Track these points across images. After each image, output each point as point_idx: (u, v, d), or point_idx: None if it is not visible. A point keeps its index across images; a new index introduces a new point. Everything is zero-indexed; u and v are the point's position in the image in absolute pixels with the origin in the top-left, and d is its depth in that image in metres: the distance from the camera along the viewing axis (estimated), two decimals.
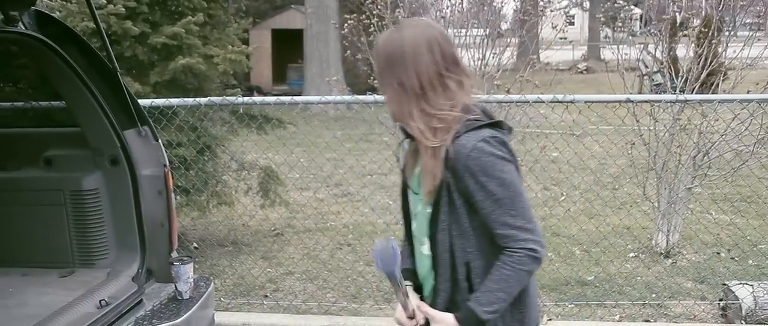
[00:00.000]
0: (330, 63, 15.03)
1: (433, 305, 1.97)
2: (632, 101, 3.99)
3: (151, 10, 5.52)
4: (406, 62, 1.86)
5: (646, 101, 4.08)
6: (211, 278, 3.34)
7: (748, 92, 4.90)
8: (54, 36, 3.02)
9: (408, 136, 1.97)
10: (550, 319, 4.30)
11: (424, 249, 2.00)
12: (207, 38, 5.97)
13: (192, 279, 3.08)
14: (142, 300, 2.99)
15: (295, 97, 4.91)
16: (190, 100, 4.68)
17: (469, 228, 1.88)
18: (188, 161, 5.19)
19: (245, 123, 5.97)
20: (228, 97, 4.90)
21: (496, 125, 1.89)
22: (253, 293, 4.89)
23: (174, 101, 4.63)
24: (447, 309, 1.92)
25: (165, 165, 3.20)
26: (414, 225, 2.05)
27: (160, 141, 3.23)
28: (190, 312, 2.98)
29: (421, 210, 1.99)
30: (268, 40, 19.44)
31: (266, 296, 4.86)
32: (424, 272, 2.02)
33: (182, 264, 3.04)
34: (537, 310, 2.04)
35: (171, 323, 2.88)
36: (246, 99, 5.03)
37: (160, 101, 4.57)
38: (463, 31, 6.37)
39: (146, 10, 5.48)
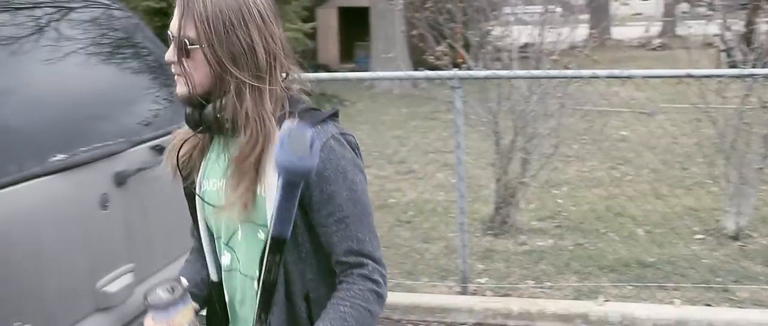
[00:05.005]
0: (395, 40, 14.99)
1: None
2: (693, 76, 3.83)
3: None
4: (248, 28, 1.39)
5: (708, 76, 3.90)
6: None
7: None
8: None
9: (200, 125, 1.47)
10: (606, 300, 4.22)
11: (250, 282, 1.53)
12: None
13: None
14: None
15: (342, 74, 4.94)
16: None
17: (310, 251, 1.48)
18: None
19: None
20: None
21: (336, 116, 1.52)
22: None
23: None
24: None
25: None
26: (227, 257, 1.56)
27: None
28: None
29: (242, 234, 1.51)
30: (334, 18, 19.51)
31: None
32: (243, 305, 1.58)
33: None
34: None
35: None
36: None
37: None
38: (523, 7, 6.25)
39: None
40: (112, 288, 2.54)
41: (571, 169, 7.37)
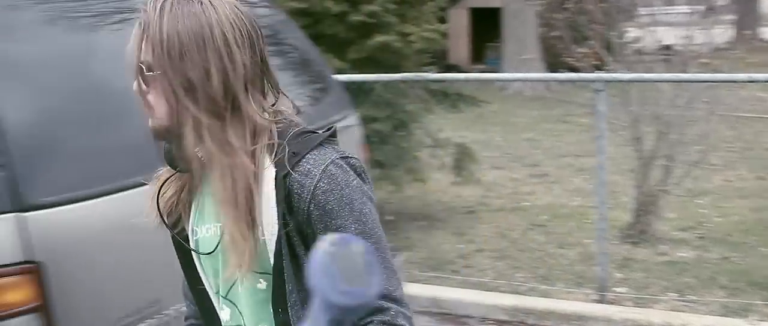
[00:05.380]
0: (527, 42, 14.78)
1: None
2: None
3: None
4: (207, 53, 1.19)
5: None
6: (401, 250, 3.42)
7: None
8: None
9: (176, 162, 1.30)
10: (760, 320, 3.97)
11: None
12: (404, 16, 6.08)
13: None
14: None
15: (484, 74, 4.92)
16: (385, 76, 4.83)
17: None
18: (384, 136, 5.36)
19: (439, 100, 6.04)
20: (421, 73, 4.99)
21: (333, 137, 1.30)
22: (443, 267, 4.96)
23: (370, 76, 4.81)
24: None
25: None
26: (227, 313, 1.37)
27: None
28: None
29: (242, 287, 1.32)
30: (465, 18, 19.48)
31: (456, 271, 4.91)
32: None
33: None
34: None
35: None
36: (438, 75, 5.09)
37: (356, 76, 4.75)
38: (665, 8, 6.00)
39: None
40: None
41: (716, 178, 7.00)
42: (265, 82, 1.27)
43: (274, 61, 3.29)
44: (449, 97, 6.13)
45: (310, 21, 5.46)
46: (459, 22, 19.29)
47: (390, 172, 5.57)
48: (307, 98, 3.33)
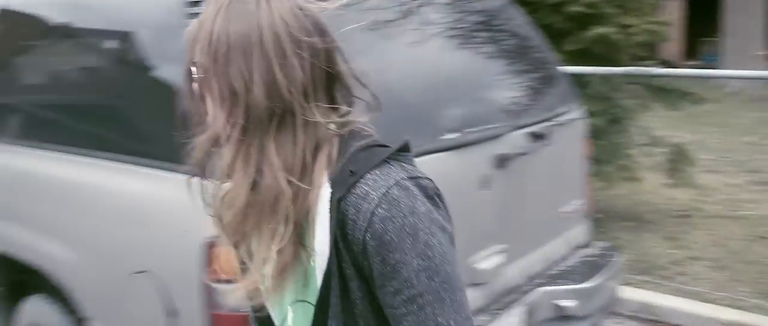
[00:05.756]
0: (753, 37, 13.66)
1: None
2: None
3: None
4: (251, 59, 1.04)
5: None
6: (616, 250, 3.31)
7: None
8: None
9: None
10: None
11: None
12: (623, 7, 5.82)
13: None
14: None
15: (714, 71, 4.61)
16: (606, 69, 4.67)
17: None
18: (598, 131, 5.17)
19: (657, 96, 5.74)
20: (643, 68, 4.77)
21: (405, 152, 1.09)
22: (653, 272, 4.72)
23: (591, 69, 4.65)
24: None
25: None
26: None
27: None
28: (599, 279, 2.99)
29: (293, 316, 1.18)
30: (677, 10, 18.41)
31: (668, 278, 4.65)
32: None
33: None
34: None
35: (578, 285, 2.91)
36: (662, 70, 4.84)
37: (578, 68, 4.62)
38: None
39: None
40: (483, 265, 2.63)
41: None
42: (335, 90, 1.11)
43: (485, 49, 3.28)
44: (670, 94, 5.80)
45: (527, 10, 5.38)
46: (672, 15, 18.26)
47: (601, 169, 5.38)
48: (525, 88, 3.27)
